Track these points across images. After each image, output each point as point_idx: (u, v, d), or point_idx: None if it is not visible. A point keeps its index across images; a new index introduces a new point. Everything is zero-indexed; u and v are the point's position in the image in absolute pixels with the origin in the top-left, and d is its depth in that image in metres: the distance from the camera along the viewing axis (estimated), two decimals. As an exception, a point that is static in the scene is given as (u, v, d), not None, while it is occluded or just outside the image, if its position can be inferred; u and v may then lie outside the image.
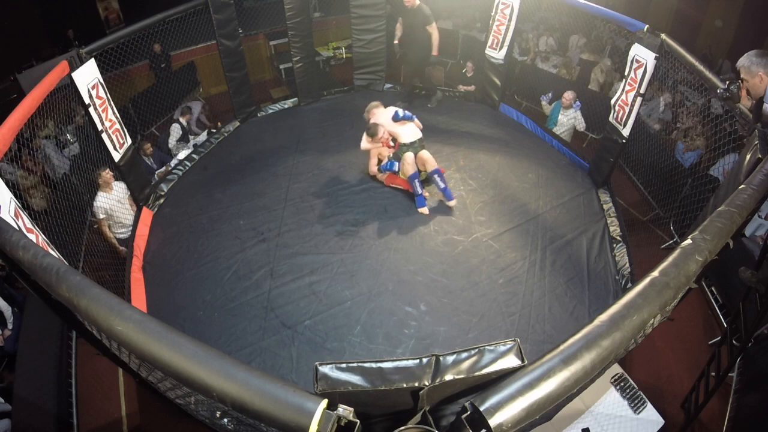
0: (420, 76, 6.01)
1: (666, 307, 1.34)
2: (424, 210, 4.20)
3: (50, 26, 8.22)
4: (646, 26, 3.90)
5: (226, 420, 1.34)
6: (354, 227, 4.11)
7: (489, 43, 5.59)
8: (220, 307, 3.54)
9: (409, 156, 4.18)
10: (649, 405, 3.05)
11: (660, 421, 3.00)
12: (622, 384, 3.12)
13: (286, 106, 6.22)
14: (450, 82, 7.36)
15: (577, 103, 5.70)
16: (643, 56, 3.90)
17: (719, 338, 3.44)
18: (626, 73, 4.14)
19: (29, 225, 2.63)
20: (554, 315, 3.44)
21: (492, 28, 5.46)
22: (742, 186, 1.77)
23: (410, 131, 4.33)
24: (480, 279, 3.66)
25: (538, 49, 7.92)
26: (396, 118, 4.31)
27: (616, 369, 3.17)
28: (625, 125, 4.25)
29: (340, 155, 5.02)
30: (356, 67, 6.41)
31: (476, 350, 1.35)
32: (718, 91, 2.74)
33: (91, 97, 3.86)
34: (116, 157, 4.24)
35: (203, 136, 5.86)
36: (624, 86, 4.18)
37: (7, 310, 4.08)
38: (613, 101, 4.37)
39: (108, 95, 4.10)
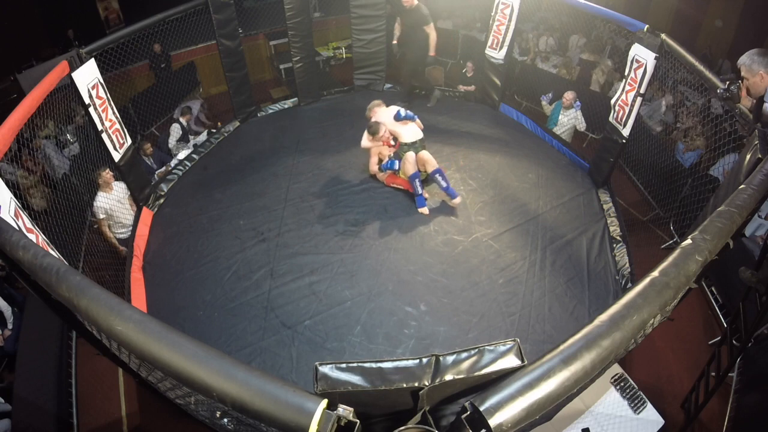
0: (417, 76, 6.00)
1: (666, 307, 1.34)
2: (424, 210, 4.20)
3: (50, 26, 8.22)
4: (646, 26, 3.90)
5: (226, 420, 1.34)
6: (354, 227, 4.11)
7: (489, 43, 5.59)
8: (220, 307, 3.54)
9: (410, 155, 4.18)
10: (649, 405, 3.05)
11: (660, 421, 3.00)
12: (622, 384, 3.12)
13: (286, 106, 6.21)
14: (450, 82, 7.34)
15: (578, 103, 5.70)
16: (643, 56, 3.90)
17: (719, 338, 3.44)
18: (626, 73, 4.14)
19: (29, 225, 2.63)
20: (554, 315, 3.44)
21: (492, 28, 5.45)
22: (742, 186, 1.77)
23: (412, 131, 4.34)
24: (480, 279, 3.66)
25: (538, 49, 7.91)
26: (398, 118, 4.32)
27: (616, 369, 3.17)
28: (625, 125, 4.25)
29: (340, 155, 5.02)
30: (356, 67, 6.41)
31: (476, 350, 1.35)
32: (718, 91, 2.74)
33: (91, 97, 3.86)
34: (116, 157, 4.24)
35: (203, 136, 5.86)
36: (624, 86, 4.18)
37: (7, 310, 4.08)
38: (613, 101, 4.37)
39: (108, 95, 4.10)
